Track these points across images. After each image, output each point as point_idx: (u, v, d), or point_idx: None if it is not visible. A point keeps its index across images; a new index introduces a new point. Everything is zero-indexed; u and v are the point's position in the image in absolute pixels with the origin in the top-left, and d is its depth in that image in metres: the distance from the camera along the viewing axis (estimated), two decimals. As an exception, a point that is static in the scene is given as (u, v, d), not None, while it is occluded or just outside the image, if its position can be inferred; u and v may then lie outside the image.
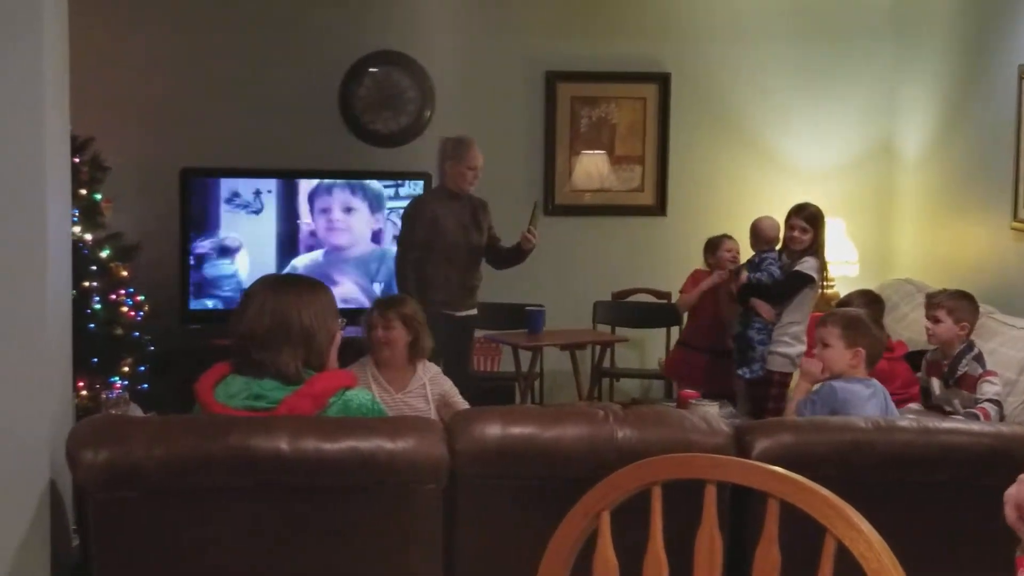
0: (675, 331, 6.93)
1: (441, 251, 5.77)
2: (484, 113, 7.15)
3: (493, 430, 2.97)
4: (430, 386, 4.32)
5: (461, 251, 5.80)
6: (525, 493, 2.98)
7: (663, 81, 7.39)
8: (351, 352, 4.08)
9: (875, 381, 4.00)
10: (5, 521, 2.87)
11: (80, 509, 2.93)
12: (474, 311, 5.95)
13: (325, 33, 7.04)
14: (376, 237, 6.92)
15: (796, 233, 5.68)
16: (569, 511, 1.92)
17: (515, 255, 5.96)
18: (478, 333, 6.31)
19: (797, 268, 5.66)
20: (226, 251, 6.78)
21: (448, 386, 4.36)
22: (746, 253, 6.19)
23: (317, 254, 6.86)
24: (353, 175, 6.92)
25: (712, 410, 4.28)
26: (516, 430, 2.98)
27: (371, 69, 7.18)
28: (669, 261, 7.11)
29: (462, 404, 4.27)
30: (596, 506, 1.83)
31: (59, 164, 3.15)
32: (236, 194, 6.76)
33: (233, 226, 6.76)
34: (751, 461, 1.80)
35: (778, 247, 5.92)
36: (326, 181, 6.86)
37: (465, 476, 2.95)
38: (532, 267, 6.13)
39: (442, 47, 7.18)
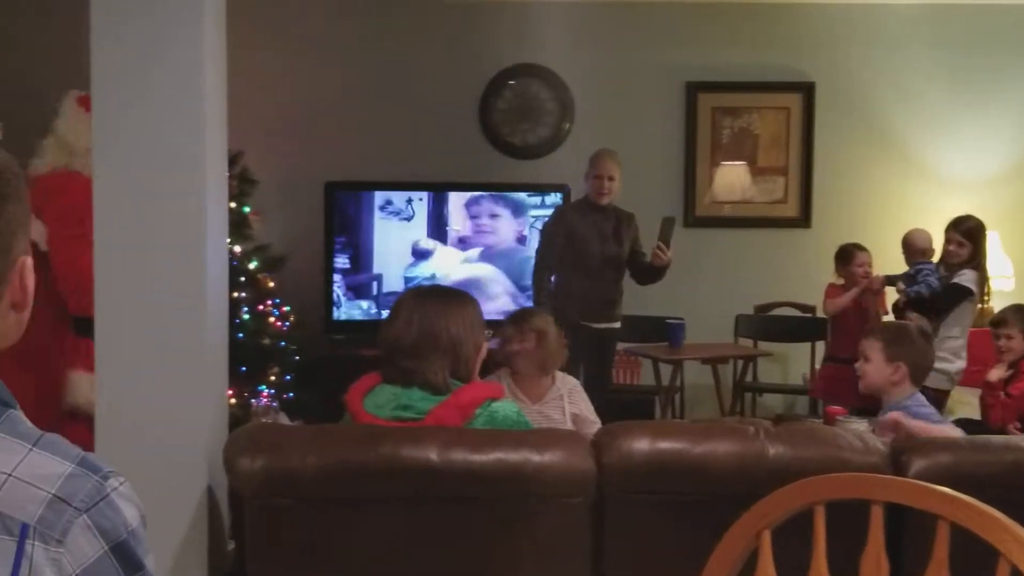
0: (820, 346, 6.79)
1: (577, 263, 5.74)
2: (623, 124, 7.12)
3: (641, 444, 2.94)
4: (567, 398, 4.31)
5: (596, 263, 5.75)
6: (673, 509, 2.94)
7: (807, 90, 7.27)
8: (490, 363, 4.11)
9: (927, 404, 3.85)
10: (166, 525, 2.95)
11: (236, 514, 2.99)
12: (615, 324, 5.88)
13: (465, 47, 7.11)
14: (521, 240, 6.95)
15: (953, 247, 5.52)
16: (726, 529, 1.88)
17: (650, 271, 5.86)
18: (618, 346, 6.27)
19: (955, 280, 5.50)
20: (369, 263, 6.87)
21: (584, 404, 4.33)
22: (893, 266, 6.04)
23: (473, 254, 6.92)
24: (492, 187, 6.96)
25: (861, 427, 4.17)
26: (665, 445, 2.94)
27: (510, 82, 7.22)
28: (814, 273, 6.97)
29: (594, 423, 4.24)
30: (757, 524, 1.80)
31: (217, 177, 3.23)
32: (389, 202, 6.87)
33: (375, 238, 6.86)
34: (920, 482, 1.74)
35: (933, 259, 5.76)
36: (471, 193, 6.92)
37: (612, 490, 2.93)
38: (672, 280, 6.06)
39: (581, 59, 7.17)
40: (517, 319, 4.44)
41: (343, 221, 6.86)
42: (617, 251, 5.79)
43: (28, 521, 1.16)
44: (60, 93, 4.25)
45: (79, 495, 1.19)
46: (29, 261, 1.29)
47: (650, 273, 5.87)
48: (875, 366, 3.84)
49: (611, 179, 5.74)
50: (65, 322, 3.84)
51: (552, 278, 5.83)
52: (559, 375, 4.34)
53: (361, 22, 7.09)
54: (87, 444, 3.54)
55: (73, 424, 3.67)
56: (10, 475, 1.18)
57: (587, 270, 5.74)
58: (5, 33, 6.64)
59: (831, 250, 6.44)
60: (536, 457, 2.84)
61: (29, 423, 1.26)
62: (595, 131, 6.97)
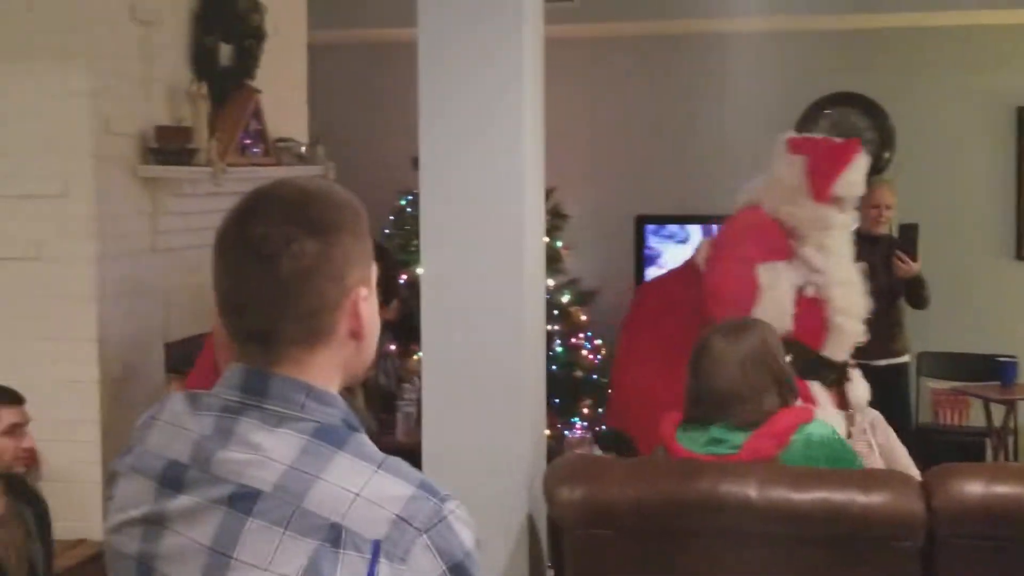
0: None
1: None
2: (948, 153, 6.80)
3: (975, 488, 2.78)
4: (871, 431, 4.16)
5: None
6: (1011, 556, 2.77)
7: None
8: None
9: None
10: (488, 551, 3.02)
11: (554, 543, 3.04)
12: (900, 359, 5.53)
13: (779, 75, 6.99)
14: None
15: None
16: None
17: (905, 288, 5.45)
18: (942, 384, 5.95)
19: None
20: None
21: (890, 435, 4.16)
22: None
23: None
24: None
25: None
26: (1002, 489, 2.77)
27: (826, 111, 7.05)
28: None
29: (902, 455, 4.05)
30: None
31: (534, 212, 3.31)
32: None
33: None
34: None
35: None
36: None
37: (943, 535, 2.78)
38: (1003, 315, 5.73)
39: (901, 86, 6.91)
40: None
41: (653, 255, 6.87)
42: (888, 282, 5.43)
43: (378, 537, 1.22)
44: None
45: (420, 516, 1.24)
46: (364, 291, 1.36)
47: (905, 289, 5.46)
48: None
49: (888, 208, 5.53)
50: None
51: None
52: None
53: (671, 54, 7.11)
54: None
55: None
56: (358, 495, 1.24)
57: None
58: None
59: None
60: (862, 498, 2.75)
61: (374, 446, 1.33)
62: (917, 160, 6.69)
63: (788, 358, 3.06)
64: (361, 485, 1.25)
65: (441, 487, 1.29)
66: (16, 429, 3.32)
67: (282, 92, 5.56)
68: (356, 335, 1.36)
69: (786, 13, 6.76)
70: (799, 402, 3.06)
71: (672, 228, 6.83)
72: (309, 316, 1.32)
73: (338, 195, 1.37)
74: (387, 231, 6.51)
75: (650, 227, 6.88)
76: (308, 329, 1.32)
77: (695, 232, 6.74)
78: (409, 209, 6.24)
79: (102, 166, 4.22)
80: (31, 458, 3.39)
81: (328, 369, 1.35)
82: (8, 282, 4.21)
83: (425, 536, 1.24)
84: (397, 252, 6.42)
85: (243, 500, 1.26)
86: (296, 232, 1.30)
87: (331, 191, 1.38)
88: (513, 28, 3.11)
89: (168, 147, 4.48)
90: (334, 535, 1.22)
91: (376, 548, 1.21)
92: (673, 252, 6.77)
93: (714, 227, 6.78)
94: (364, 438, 1.33)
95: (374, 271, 1.40)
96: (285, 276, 1.29)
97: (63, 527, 3.48)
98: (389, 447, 1.37)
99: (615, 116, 7.15)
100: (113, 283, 4.27)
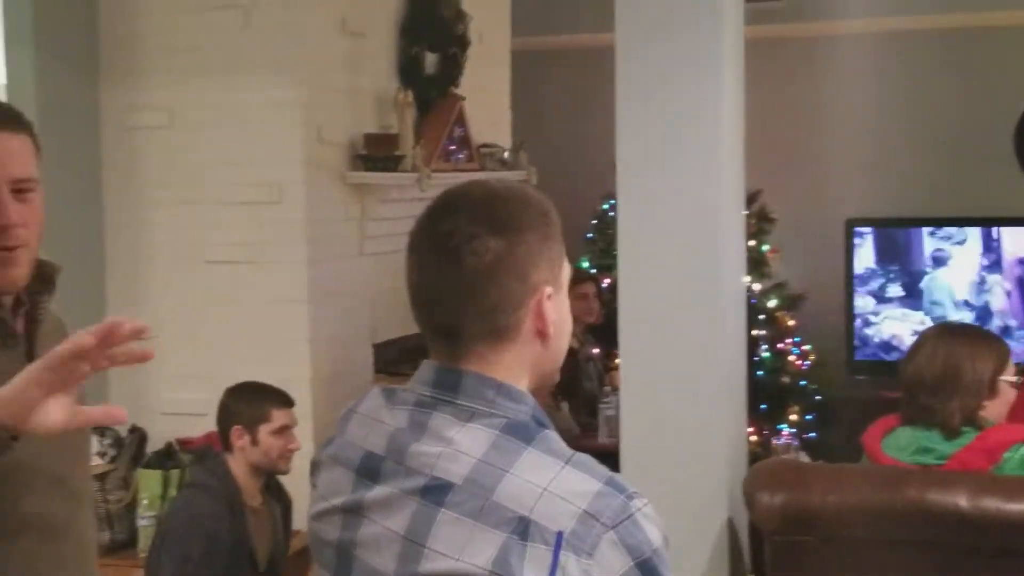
0: None
1: None
2: None
3: None
4: None
5: None
6: None
7: None
8: None
9: None
10: (688, 553, 3.00)
11: (755, 548, 3.00)
12: None
13: (1000, 73, 6.69)
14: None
15: None
16: None
17: None
18: None
19: None
20: (895, 301, 6.63)
21: None
22: None
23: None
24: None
25: None
26: None
27: (1054, 108, 6.71)
28: None
29: None
30: None
31: (732, 216, 3.28)
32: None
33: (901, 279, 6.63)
34: None
35: None
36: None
37: None
38: None
39: None
40: None
41: (866, 259, 6.67)
42: None
43: (563, 530, 1.23)
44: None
45: (607, 512, 1.25)
46: (549, 291, 1.37)
47: None
48: None
49: None
50: None
51: None
52: None
53: (884, 52, 6.90)
54: None
55: None
56: (545, 489, 1.26)
57: None
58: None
59: None
60: (1081, 510, 2.61)
61: (562, 443, 1.34)
62: None
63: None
64: (549, 480, 1.27)
65: (628, 484, 1.30)
66: (285, 431, 3.50)
67: (486, 98, 5.65)
68: (542, 334, 1.38)
69: (1014, 9, 6.50)
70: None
71: (949, 230, 6.60)
72: (492, 312, 1.34)
73: (526, 196, 1.39)
74: (589, 235, 6.54)
75: (927, 229, 6.64)
76: (491, 325, 1.35)
77: (973, 234, 6.53)
78: (611, 213, 6.25)
79: (313, 173, 4.39)
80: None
81: (515, 367, 1.37)
82: (226, 285, 4.42)
83: (612, 532, 1.25)
84: (600, 256, 6.45)
85: (435, 492, 1.30)
86: (480, 230, 1.33)
87: (519, 191, 1.40)
88: (712, 31, 3.09)
89: (376, 154, 4.62)
90: (522, 528, 1.24)
91: (559, 539, 1.23)
92: (957, 254, 6.58)
93: (951, 229, 6.57)
94: (553, 434, 1.35)
95: (566, 272, 1.41)
96: (468, 272, 1.32)
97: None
98: (591, 449, 1.38)
99: (826, 117, 6.97)
100: (323, 286, 4.43)
